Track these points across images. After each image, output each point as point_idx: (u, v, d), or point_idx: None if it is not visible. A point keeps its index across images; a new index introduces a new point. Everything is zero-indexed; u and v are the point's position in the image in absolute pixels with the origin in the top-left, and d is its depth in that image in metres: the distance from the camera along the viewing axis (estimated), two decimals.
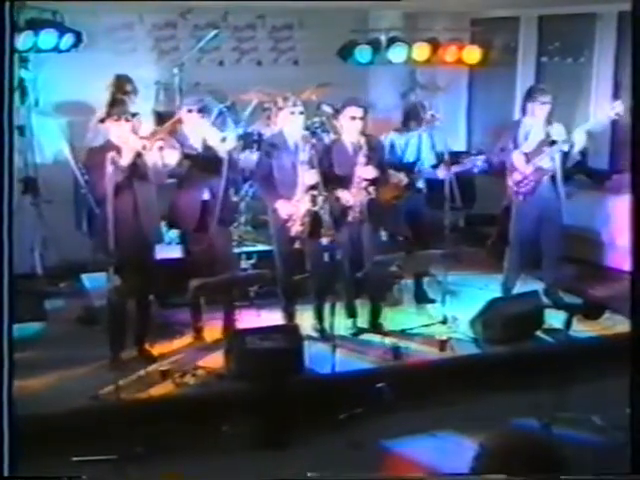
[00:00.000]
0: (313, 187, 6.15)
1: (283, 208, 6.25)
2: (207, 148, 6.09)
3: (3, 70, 3.99)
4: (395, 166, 7.01)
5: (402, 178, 6.97)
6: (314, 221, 6.24)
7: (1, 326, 4.15)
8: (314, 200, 6.16)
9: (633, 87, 4.04)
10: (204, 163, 6.04)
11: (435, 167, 7.01)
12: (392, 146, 7.11)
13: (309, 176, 6.14)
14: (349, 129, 6.36)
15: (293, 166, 6.24)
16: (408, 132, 7.15)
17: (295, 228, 6.25)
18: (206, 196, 6.11)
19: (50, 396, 5.51)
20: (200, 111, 6.14)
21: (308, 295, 6.56)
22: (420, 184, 7.10)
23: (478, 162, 6.94)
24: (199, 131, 6.12)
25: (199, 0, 7.27)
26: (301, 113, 6.27)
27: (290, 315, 6.53)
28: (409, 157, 7.15)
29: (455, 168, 6.93)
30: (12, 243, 4.11)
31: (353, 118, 6.30)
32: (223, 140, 5.98)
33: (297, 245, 6.37)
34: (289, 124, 6.30)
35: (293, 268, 6.44)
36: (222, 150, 5.96)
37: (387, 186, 6.83)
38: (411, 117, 7.13)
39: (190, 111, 6.13)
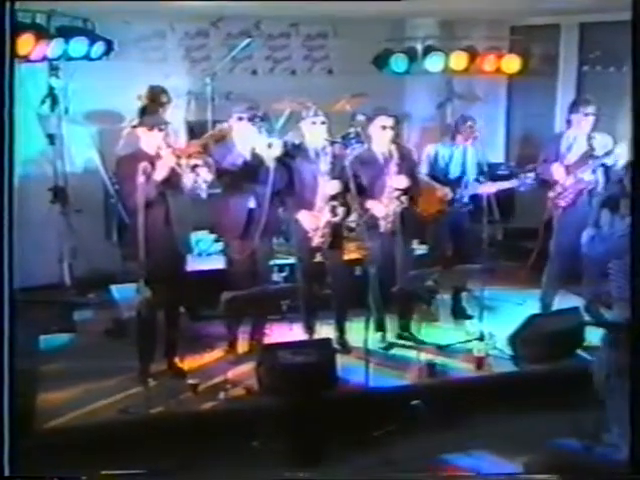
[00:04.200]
0: (334, 197, 6.21)
1: (305, 219, 6.29)
2: (255, 156, 6.14)
3: (3, 70, 4.07)
4: (439, 179, 7.04)
5: (447, 192, 7.00)
6: (334, 232, 6.30)
7: (2, 334, 4.22)
8: (334, 211, 6.21)
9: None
10: (252, 171, 6.10)
11: (478, 181, 7.01)
12: (436, 158, 7.11)
13: (330, 186, 6.19)
14: (379, 138, 6.43)
15: (314, 176, 6.28)
16: (454, 145, 7.13)
17: (316, 240, 6.29)
18: (252, 204, 6.16)
19: (77, 408, 5.54)
20: (250, 119, 6.20)
21: (330, 309, 6.57)
22: (466, 199, 7.07)
23: (527, 180, 6.92)
24: (249, 139, 6.19)
25: (232, 5, 7.32)
26: (323, 123, 6.28)
27: (310, 329, 6.55)
28: (454, 171, 7.14)
29: (502, 185, 7.02)
30: (13, 253, 4.17)
31: (384, 127, 6.37)
32: (269, 146, 6.05)
33: (318, 258, 6.42)
34: (310, 134, 6.33)
35: (314, 281, 6.47)
36: (269, 157, 6.02)
37: (431, 199, 6.87)
38: (460, 130, 7.09)
39: (241, 119, 6.19)
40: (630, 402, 4.56)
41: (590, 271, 6.98)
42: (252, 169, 6.11)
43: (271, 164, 6.00)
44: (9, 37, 4.20)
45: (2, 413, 4.21)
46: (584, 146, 6.80)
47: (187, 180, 5.61)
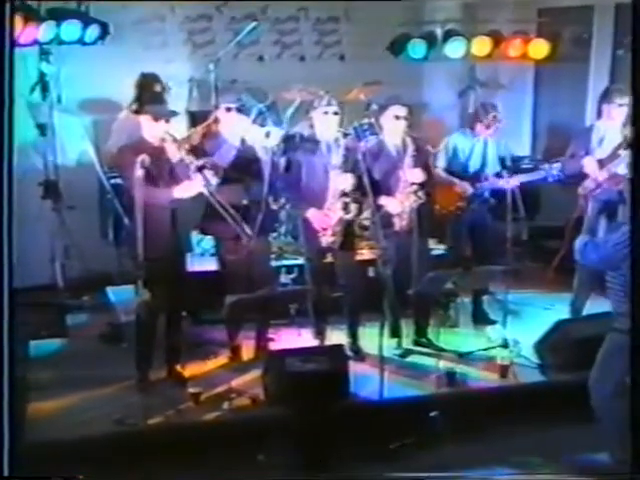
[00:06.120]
0: (346, 193, 6.23)
1: (315, 218, 6.30)
2: (247, 148, 6.18)
3: (3, 69, 4.11)
4: (458, 174, 7.06)
5: (467, 188, 7.02)
6: (346, 231, 6.32)
7: (1, 340, 4.25)
8: (347, 207, 6.23)
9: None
10: (244, 165, 6.12)
11: (500, 176, 7.00)
12: (454, 150, 7.12)
13: (342, 181, 6.21)
14: (392, 129, 6.47)
15: (325, 170, 6.30)
16: (474, 137, 7.14)
17: (327, 239, 6.32)
18: (245, 201, 6.18)
19: (70, 419, 5.57)
20: (239, 110, 6.24)
21: (341, 312, 6.59)
22: (486, 194, 7.09)
23: (553, 171, 6.93)
24: (238, 130, 6.22)
25: None
26: (335, 113, 6.31)
27: (321, 334, 6.57)
28: (474, 164, 7.15)
29: (526, 177, 7.04)
30: (12, 254, 4.20)
31: (397, 117, 6.40)
32: (267, 135, 6.08)
33: (329, 258, 6.45)
34: (322, 125, 6.35)
35: (325, 283, 6.48)
36: (267, 145, 6.06)
37: (449, 195, 6.89)
38: (479, 120, 7.08)
39: (229, 110, 6.23)
40: (630, 402, 4.59)
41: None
42: (246, 162, 6.13)
43: (267, 156, 6.03)
44: (8, 37, 4.25)
45: (2, 415, 4.26)
46: (617, 138, 6.81)
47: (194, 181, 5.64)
